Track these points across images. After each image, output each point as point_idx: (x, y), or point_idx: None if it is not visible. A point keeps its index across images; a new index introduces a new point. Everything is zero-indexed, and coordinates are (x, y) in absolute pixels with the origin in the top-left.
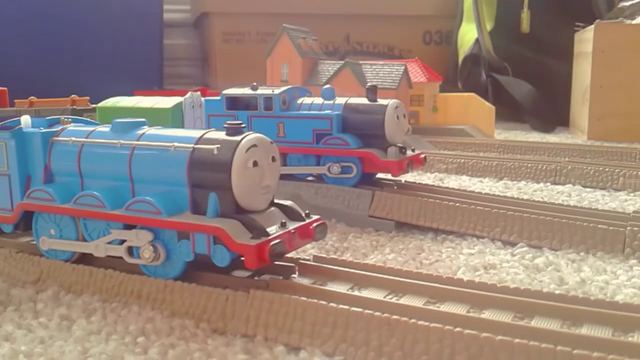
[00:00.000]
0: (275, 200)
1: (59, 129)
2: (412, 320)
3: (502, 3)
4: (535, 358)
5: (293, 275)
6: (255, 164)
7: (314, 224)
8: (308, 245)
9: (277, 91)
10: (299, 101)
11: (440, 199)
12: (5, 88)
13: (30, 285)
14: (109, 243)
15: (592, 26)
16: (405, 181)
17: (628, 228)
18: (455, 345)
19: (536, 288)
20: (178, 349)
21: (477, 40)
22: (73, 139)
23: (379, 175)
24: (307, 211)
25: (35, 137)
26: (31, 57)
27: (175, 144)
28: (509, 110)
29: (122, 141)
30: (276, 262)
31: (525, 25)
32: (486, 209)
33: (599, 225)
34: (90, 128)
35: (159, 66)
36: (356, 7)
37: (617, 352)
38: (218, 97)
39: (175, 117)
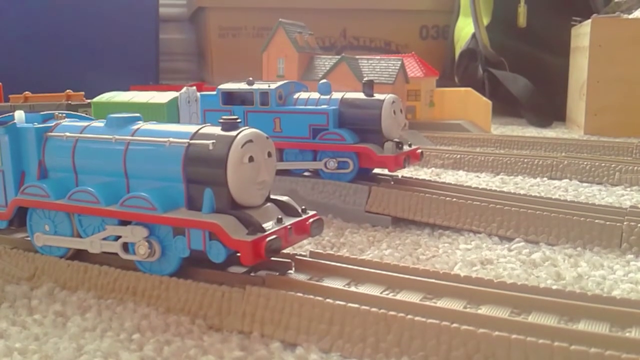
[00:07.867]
0: (272, 196)
1: (53, 124)
2: (409, 316)
3: None
4: (533, 354)
5: (289, 271)
6: (251, 159)
7: (311, 220)
8: (304, 241)
9: (273, 86)
10: (295, 96)
11: (437, 195)
12: (0, 83)
13: (25, 281)
14: (104, 239)
15: (589, 21)
16: (402, 176)
17: (625, 223)
18: (452, 341)
19: (533, 283)
20: (174, 345)
21: (473, 35)
22: (67, 134)
23: (376, 170)
24: (303, 207)
25: (29, 132)
26: (26, 52)
27: (171, 139)
28: (506, 105)
29: (116, 136)
30: (272, 258)
31: (522, 20)
32: (483, 204)
33: (596, 220)
34: (85, 123)
35: (154, 61)
36: (353, 1)
37: (614, 348)
38: (214, 92)
39: (170, 112)
